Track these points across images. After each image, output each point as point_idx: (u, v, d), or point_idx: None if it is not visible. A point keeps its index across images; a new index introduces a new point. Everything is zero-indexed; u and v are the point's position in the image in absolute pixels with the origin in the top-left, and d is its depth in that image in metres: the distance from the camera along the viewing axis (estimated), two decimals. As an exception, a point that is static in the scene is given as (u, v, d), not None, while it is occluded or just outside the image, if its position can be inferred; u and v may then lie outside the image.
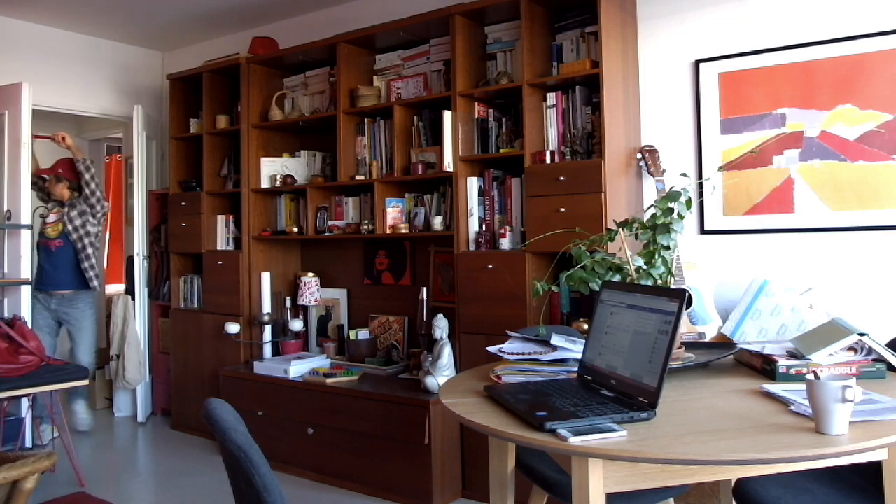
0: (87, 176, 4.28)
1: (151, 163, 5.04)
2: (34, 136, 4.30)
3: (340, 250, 4.26)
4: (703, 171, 3.11)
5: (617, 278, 1.95)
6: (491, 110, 3.48)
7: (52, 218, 4.35)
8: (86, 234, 4.29)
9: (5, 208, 4.20)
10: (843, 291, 2.80)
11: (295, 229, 4.17)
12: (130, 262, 5.02)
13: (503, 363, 1.99)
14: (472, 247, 3.39)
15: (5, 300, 4.22)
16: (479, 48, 3.53)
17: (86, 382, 3.77)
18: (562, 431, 1.34)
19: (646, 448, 1.28)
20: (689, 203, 1.95)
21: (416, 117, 3.74)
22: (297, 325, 4.16)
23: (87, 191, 4.29)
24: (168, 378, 4.72)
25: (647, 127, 3.28)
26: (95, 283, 4.33)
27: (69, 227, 4.27)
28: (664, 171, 3.06)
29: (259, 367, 3.87)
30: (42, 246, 4.32)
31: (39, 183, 4.42)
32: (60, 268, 4.26)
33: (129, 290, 4.97)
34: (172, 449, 4.21)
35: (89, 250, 4.30)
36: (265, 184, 4.25)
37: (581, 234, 2.27)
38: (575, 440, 1.31)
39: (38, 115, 4.46)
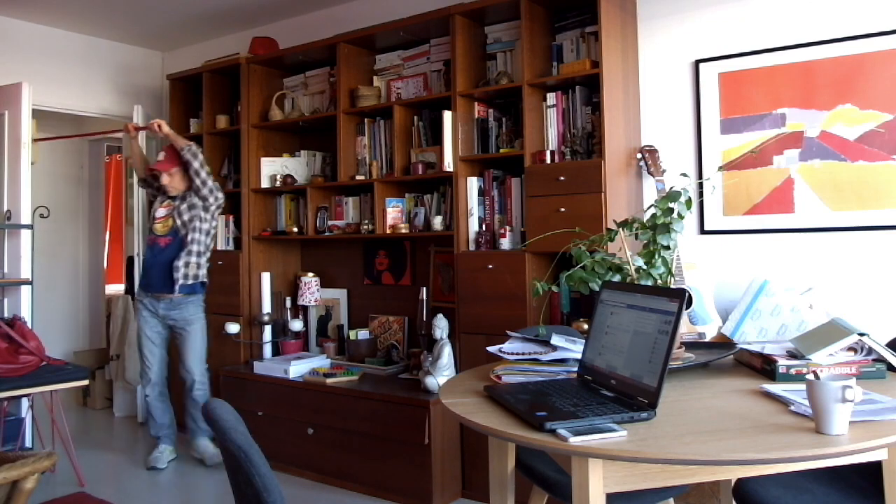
0: (195, 164, 3.78)
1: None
2: (136, 128, 4.05)
3: (340, 250, 4.26)
4: (703, 171, 3.11)
5: (617, 278, 1.95)
6: (491, 110, 3.48)
7: (161, 212, 3.88)
8: (193, 230, 3.78)
9: (5, 208, 4.20)
10: (843, 291, 2.80)
11: (295, 229, 4.17)
12: (130, 262, 5.02)
13: (503, 363, 1.99)
14: (472, 247, 3.39)
15: (5, 300, 4.22)
16: (479, 48, 3.53)
17: (86, 382, 3.77)
18: (562, 431, 1.34)
19: (646, 448, 1.28)
20: (689, 203, 1.95)
21: (416, 117, 3.74)
22: (297, 325, 4.16)
23: (198, 181, 3.78)
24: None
25: (647, 127, 3.27)
26: (182, 282, 3.76)
27: (178, 221, 3.79)
28: (664, 171, 3.06)
29: (259, 367, 3.87)
30: (150, 244, 3.90)
31: (149, 180, 4.03)
32: (167, 267, 3.78)
33: (129, 290, 4.97)
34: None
35: (193, 247, 3.78)
36: (265, 184, 4.25)
37: (581, 234, 2.27)
38: (575, 440, 1.31)
39: (38, 115, 4.46)
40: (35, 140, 3.72)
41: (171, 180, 3.85)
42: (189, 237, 3.77)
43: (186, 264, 3.75)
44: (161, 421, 3.93)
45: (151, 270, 3.83)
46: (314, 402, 3.56)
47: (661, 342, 1.50)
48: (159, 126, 3.86)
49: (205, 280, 3.87)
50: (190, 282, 3.78)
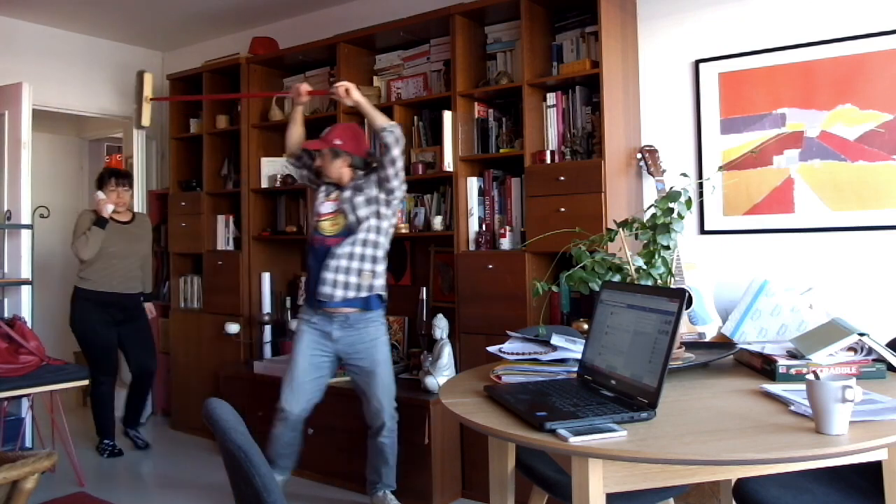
0: (395, 151, 2.97)
1: (151, 163, 5.04)
2: (310, 92, 3.20)
3: (340, 250, 4.26)
4: (703, 171, 3.11)
5: (617, 278, 1.95)
6: (491, 110, 3.48)
7: (327, 207, 3.06)
8: (370, 230, 2.99)
9: (5, 208, 4.20)
10: (843, 291, 2.80)
11: (295, 229, 4.17)
12: (130, 262, 5.01)
13: (503, 363, 1.99)
14: (472, 247, 3.39)
15: (5, 300, 4.22)
16: (479, 48, 3.53)
17: (86, 382, 3.77)
18: (562, 431, 1.34)
19: (646, 448, 1.28)
20: (689, 203, 1.95)
21: (416, 117, 3.74)
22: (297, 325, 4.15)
23: (391, 171, 2.97)
24: (168, 378, 4.72)
25: (647, 127, 3.27)
26: (355, 294, 3.00)
27: (351, 218, 2.99)
28: (664, 171, 3.05)
29: (259, 367, 3.87)
30: (316, 246, 3.05)
31: (305, 159, 3.20)
32: (341, 275, 2.99)
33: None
34: (172, 449, 4.21)
35: (368, 251, 2.99)
36: (265, 184, 4.25)
37: (581, 234, 2.27)
38: (575, 440, 1.31)
39: (38, 115, 4.46)
40: (151, 99, 3.53)
41: (324, 164, 3.07)
42: (365, 238, 2.98)
43: (360, 272, 2.97)
44: (272, 455, 3.13)
45: (318, 278, 3.02)
46: (314, 402, 3.56)
47: (661, 342, 1.50)
48: (347, 91, 3.02)
49: (383, 293, 3.08)
50: (364, 294, 2.99)
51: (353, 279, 2.96)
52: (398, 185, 3.01)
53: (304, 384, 3.06)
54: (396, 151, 2.97)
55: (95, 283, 3.95)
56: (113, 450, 4.07)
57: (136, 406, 4.31)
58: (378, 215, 2.99)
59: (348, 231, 2.99)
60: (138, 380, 4.21)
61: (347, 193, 3.02)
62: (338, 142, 3.03)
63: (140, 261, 4.15)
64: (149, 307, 4.29)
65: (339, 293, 2.96)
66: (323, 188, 3.12)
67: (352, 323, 3.01)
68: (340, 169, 3.04)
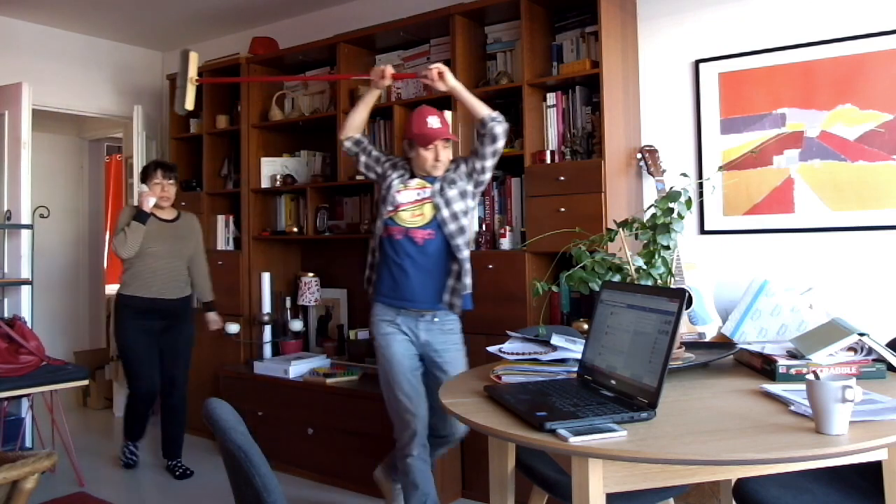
0: (501, 143, 2.76)
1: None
2: (396, 76, 3.03)
3: (340, 250, 4.26)
4: (703, 171, 3.11)
5: (617, 278, 1.95)
6: (491, 110, 3.47)
7: (409, 195, 2.78)
8: (462, 229, 2.76)
9: (5, 208, 4.20)
10: (843, 291, 2.80)
11: (295, 229, 4.17)
12: (130, 262, 5.00)
13: (503, 363, 1.99)
14: (472, 247, 3.38)
15: (5, 300, 4.22)
16: (479, 48, 3.53)
17: (86, 382, 3.78)
18: (562, 431, 1.34)
19: (646, 448, 1.28)
20: (689, 203, 1.95)
21: (416, 117, 3.73)
22: (297, 325, 4.16)
23: (490, 163, 2.77)
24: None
25: (647, 127, 3.27)
26: (455, 296, 2.76)
27: (444, 212, 2.73)
28: (664, 171, 3.05)
29: (259, 367, 3.87)
30: (395, 239, 2.76)
31: (365, 144, 2.94)
32: (428, 272, 2.74)
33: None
34: (172, 449, 4.21)
35: (465, 252, 2.77)
36: (265, 184, 4.25)
37: (581, 234, 2.27)
38: (575, 440, 1.31)
39: (38, 115, 4.46)
40: (197, 80, 3.07)
41: (443, 154, 2.80)
42: (459, 232, 2.75)
43: (451, 270, 2.75)
44: (427, 490, 2.69)
45: (405, 277, 2.73)
46: (314, 402, 3.56)
47: (661, 342, 1.50)
48: (440, 75, 2.75)
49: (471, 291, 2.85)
50: (465, 292, 2.77)
51: (446, 278, 2.73)
52: (489, 177, 2.83)
53: (419, 392, 2.73)
54: (502, 143, 2.76)
55: (135, 287, 3.59)
56: (130, 460, 3.80)
57: (172, 432, 3.81)
58: (467, 211, 2.81)
59: (437, 225, 2.73)
60: (164, 391, 3.76)
61: (437, 185, 2.76)
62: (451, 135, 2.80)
63: (185, 263, 3.75)
64: (213, 318, 3.92)
65: (430, 292, 2.72)
66: (396, 176, 2.82)
67: (440, 324, 2.76)
68: (447, 160, 2.80)
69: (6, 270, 4.20)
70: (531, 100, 3.22)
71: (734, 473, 1.64)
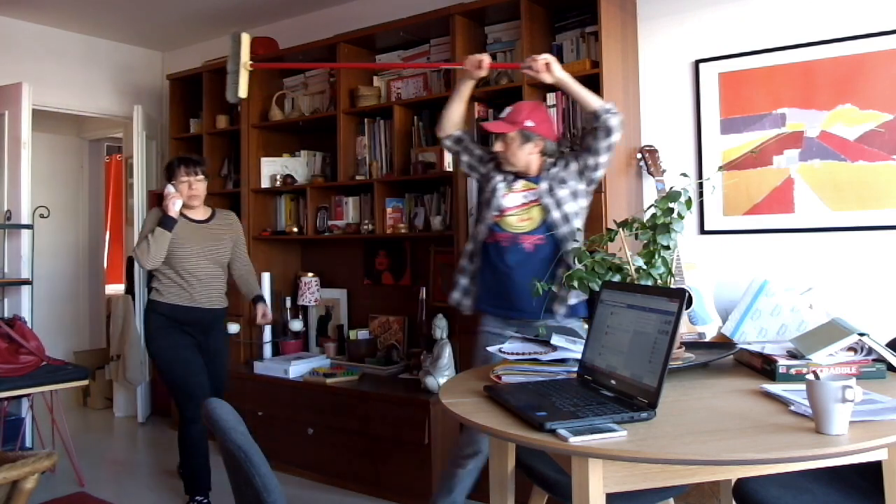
0: (615, 136, 2.58)
1: (151, 163, 5.04)
2: (494, 65, 2.77)
3: (340, 250, 4.26)
4: (703, 171, 3.11)
5: (617, 278, 1.95)
6: (491, 110, 3.47)
7: (515, 199, 2.62)
8: (575, 233, 2.55)
9: (5, 208, 4.20)
10: (843, 291, 2.80)
11: (295, 229, 4.17)
12: (130, 262, 5.02)
13: (503, 363, 1.99)
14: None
15: (5, 300, 4.22)
16: (479, 48, 3.53)
17: (86, 382, 3.78)
18: (562, 431, 1.34)
19: (646, 448, 1.28)
20: (689, 203, 1.95)
21: (415, 117, 3.74)
22: (297, 325, 4.16)
23: (604, 159, 2.60)
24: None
25: (647, 127, 3.27)
26: (565, 306, 2.56)
27: (555, 214, 2.55)
28: (664, 171, 3.05)
29: (259, 367, 3.88)
30: (502, 245, 2.59)
31: (466, 142, 2.81)
32: (538, 279, 2.31)
33: (129, 290, 4.97)
34: (172, 449, 4.19)
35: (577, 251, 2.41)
36: (265, 184, 4.25)
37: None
38: (575, 440, 1.31)
39: (38, 115, 4.46)
40: (252, 65, 2.81)
41: (508, 150, 2.61)
42: (571, 236, 2.54)
43: (561, 278, 2.45)
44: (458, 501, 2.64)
45: (513, 286, 2.55)
46: (314, 402, 3.56)
47: (661, 342, 1.50)
48: (547, 66, 2.53)
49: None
50: (574, 300, 2.56)
51: (560, 287, 2.45)
52: (601, 176, 2.65)
53: None
54: (617, 137, 2.57)
55: (171, 295, 3.19)
56: None
57: (198, 461, 3.20)
58: (578, 212, 2.60)
59: (546, 228, 2.55)
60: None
61: (544, 185, 2.58)
62: (529, 123, 2.57)
63: (223, 270, 3.35)
64: (263, 310, 3.45)
65: (541, 301, 2.43)
66: (500, 178, 2.65)
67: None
68: (529, 155, 2.60)
69: (6, 270, 4.21)
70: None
71: (734, 473, 1.64)
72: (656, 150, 3.10)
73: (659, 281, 1.91)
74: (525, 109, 2.63)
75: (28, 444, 4.03)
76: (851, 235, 2.82)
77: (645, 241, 1.98)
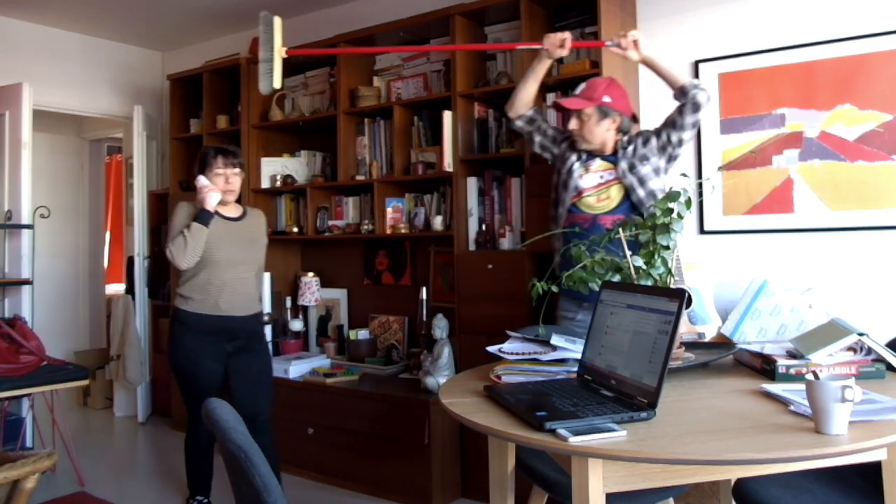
0: (700, 114, 2.53)
1: (151, 163, 5.04)
2: (577, 44, 2.71)
3: (340, 250, 4.27)
4: (703, 171, 3.11)
5: (617, 278, 1.95)
6: (491, 110, 3.48)
7: (592, 179, 2.56)
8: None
9: (5, 208, 4.20)
10: (843, 291, 2.80)
11: (295, 229, 4.17)
12: (130, 262, 5.02)
13: (503, 363, 1.99)
14: (472, 247, 3.39)
15: (5, 300, 4.22)
16: (479, 48, 3.53)
17: (86, 382, 3.77)
18: (562, 431, 1.34)
19: (646, 448, 1.28)
20: (688, 203, 1.95)
21: (415, 117, 3.74)
22: (297, 325, 4.16)
23: (687, 135, 2.55)
24: (168, 378, 4.72)
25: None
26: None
27: (640, 192, 2.50)
28: (664, 171, 3.05)
29: (259, 367, 3.87)
30: (583, 228, 2.51)
31: (539, 122, 2.74)
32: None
33: (130, 290, 4.97)
34: (172, 449, 4.20)
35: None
36: (265, 184, 4.25)
37: (581, 234, 2.26)
38: (575, 440, 1.31)
39: (38, 115, 4.46)
40: (289, 51, 2.55)
41: (584, 127, 2.55)
42: (647, 206, 2.47)
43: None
44: None
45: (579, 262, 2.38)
46: (314, 402, 3.56)
47: (660, 342, 1.50)
48: (635, 43, 2.49)
49: None
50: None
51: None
52: (680, 154, 2.58)
53: None
54: (699, 115, 2.52)
55: (198, 303, 2.88)
56: None
57: (202, 461, 3.07)
58: (663, 189, 2.51)
59: (628, 208, 2.50)
60: (247, 423, 2.94)
61: (624, 164, 2.52)
62: (607, 98, 2.52)
63: (256, 271, 3.07)
64: None
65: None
66: (574, 157, 2.58)
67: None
68: (607, 132, 2.54)
69: (6, 270, 4.21)
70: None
71: (734, 473, 1.64)
72: (656, 150, 3.10)
73: (659, 281, 1.91)
74: (602, 84, 2.56)
75: (28, 444, 4.03)
76: (851, 235, 2.82)
77: (645, 241, 1.98)
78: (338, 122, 3.86)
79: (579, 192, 2.55)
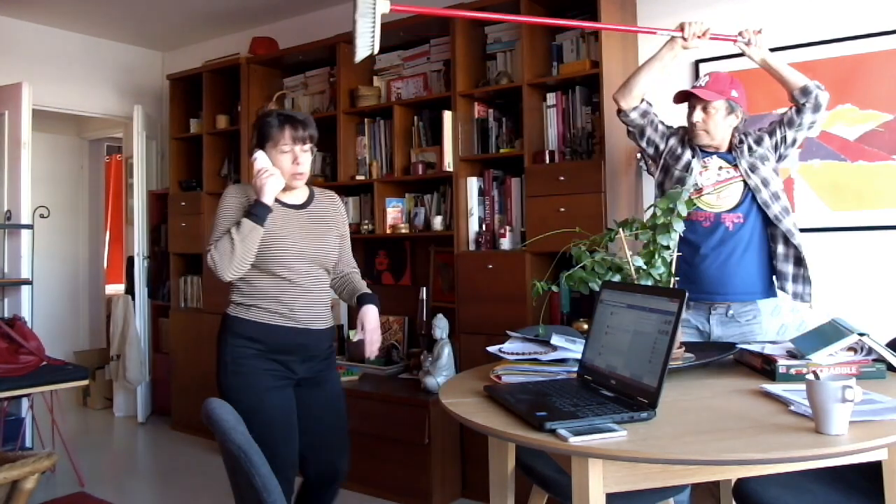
0: (821, 114, 2.46)
1: (151, 163, 5.04)
2: (714, 36, 2.49)
3: (340, 250, 4.26)
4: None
5: (617, 278, 1.95)
6: (491, 110, 3.48)
7: (710, 176, 2.43)
8: (784, 212, 2.41)
9: (5, 208, 4.20)
10: (843, 291, 2.80)
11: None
12: (130, 262, 5.02)
13: (503, 363, 1.99)
14: (472, 247, 3.39)
15: (5, 300, 4.22)
16: (479, 48, 3.53)
17: (86, 382, 3.77)
18: (562, 431, 1.34)
19: (646, 448, 1.28)
20: (689, 203, 1.95)
21: (416, 117, 3.74)
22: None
23: (801, 133, 2.48)
24: (168, 378, 4.72)
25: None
26: (771, 289, 2.44)
27: (764, 194, 2.39)
28: (664, 171, 3.04)
29: (259, 367, 3.87)
30: (698, 224, 2.40)
31: (652, 115, 2.58)
32: (736, 261, 2.37)
33: (129, 290, 4.97)
34: (172, 449, 4.21)
35: (784, 237, 2.39)
36: (265, 184, 4.24)
37: (581, 234, 2.26)
38: (575, 440, 1.31)
39: (38, 115, 4.46)
40: (392, 11, 2.14)
41: (710, 121, 2.44)
42: (785, 213, 2.40)
43: (786, 256, 2.40)
44: None
45: (707, 265, 2.38)
46: (314, 402, 3.56)
47: (661, 342, 1.50)
48: (756, 37, 2.46)
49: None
50: (799, 288, 2.41)
51: (755, 265, 2.39)
52: (794, 151, 2.54)
53: None
54: (822, 115, 2.46)
55: (262, 311, 2.20)
56: None
57: None
58: (782, 187, 2.46)
59: (750, 207, 2.40)
60: (314, 489, 2.32)
61: (745, 163, 2.42)
62: (735, 93, 2.44)
63: (329, 272, 2.42)
64: (369, 314, 2.43)
65: (736, 281, 2.36)
66: (689, 153, 2.47)
67: (735, 315, 2.40)
68: (729, 128, 2.45)
69: (6, 270, 4.21)
70: (531, 100, 3.22)
71: (734, 473, 1.64)
72: (656, 150, 3.09)
73: (659, 281, 1.91)
74: (727, 79, 2.48)
75: (28, 444, 4.03)
76: (851, 235, 2.82)
77: (645, 241, 1.98)
78: (338, 122, 3.86)
79: (699, 190, 2.42)
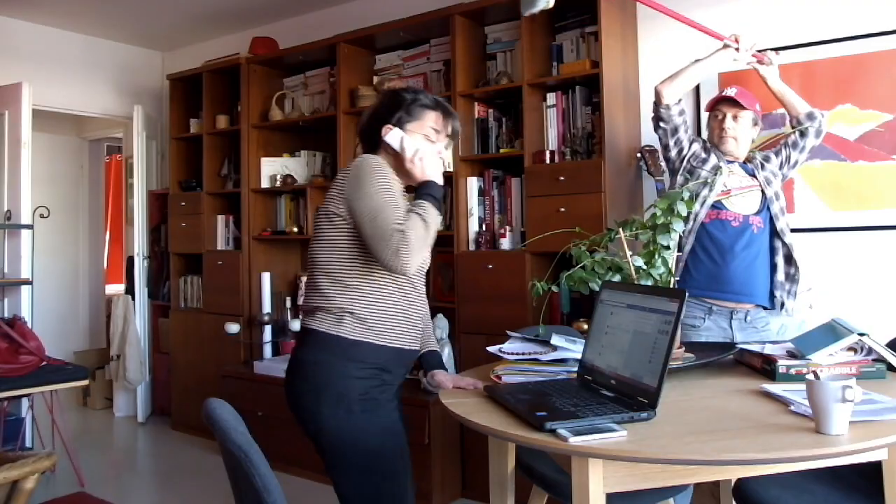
0: (821, 139, 2.63)
1: (151, 163, 5.04)
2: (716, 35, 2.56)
3: (340, 250, 4.26)
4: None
5: (617, 278, 1.95)
6: (491, 110, 3.48)
7: (737, 181, 2.50)
8: (786, 228, 2.53)
9: (5, 208, 4.20)
10: (843, 291, 2.79)
11: (295, 229, 4.17)
12: (130, 262, 5.02)
13: (503, 363, 1.99)
14: (472, 247, 3.39)
15: (5, 300, 4.22)
16: (479, 48, 3.53)
17: (86, 382, 3.77)
18: (562, 431, 1.34)
19: (646, 448, 1.28)
20: (689, 203, 1.95)
21: (416, 117, 3.73)
22: (297, 325, 4.16)
23: (803, 156, 2.64)
24: (168, 378, 4.72)
25: (647, 127, 3.27)
26: (783, 293, 2.51)
27: (775, 207, 2.50)
28: (664, 171, 3.05)
29: (259, 367, 3.87)
30: (727, 223, 2.44)
31: (685, 116, 2.59)
32: (757, 264, 2.45)
33: (129, 290, 4.98)
34: (172, 449, 4.21)
35: (786, 237, 2.51)
36: (265, 184, 4.25)
37: (581, 234, 2.27)
38: (575, 440, 1.31)
39: (38, 115, 4.46)
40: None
41: (739, 129, 2.54)
42: (787, 229, 2.52)
43: (788, 259, 2.50)
44: None
45: (735, 264, 2.42)
46: (314, 402, 3.56)
47: (661, 342, 1.50)
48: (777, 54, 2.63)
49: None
50: (789, 286, 2.51)
51: (763, 270, 2.48)
52: (806, 160, 2.67)
53: None
54: (819, 141, 2.63)
55: (387, 331, 1.79)
56: None
57: None
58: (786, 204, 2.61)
59: (768, 211, 2.49)
60: None
61: (762, 177, 2.52)
62: (758, 107, 2.56)
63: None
64: (445, 378, 1.91)
65: (754, 283, 2.44)
66: (715, 157, 2.54)
67: (753, 322, 2.48)
68: (750, 140, 2.59)
69: (6, 270, 4.21)
70: (531, 100, 3.21)
71: (734, 473, 1.64)
72: (656, 151, 3.09)
73: (659, 281, 1.91)
74: (751, 94, 2.59)
75: (28, 444, 4.03)
76: (851, 235, 2.82)
77: (645, 241, 1.98)
78: (338, 122, 3.85)
79: (727, 191, 2.49)
